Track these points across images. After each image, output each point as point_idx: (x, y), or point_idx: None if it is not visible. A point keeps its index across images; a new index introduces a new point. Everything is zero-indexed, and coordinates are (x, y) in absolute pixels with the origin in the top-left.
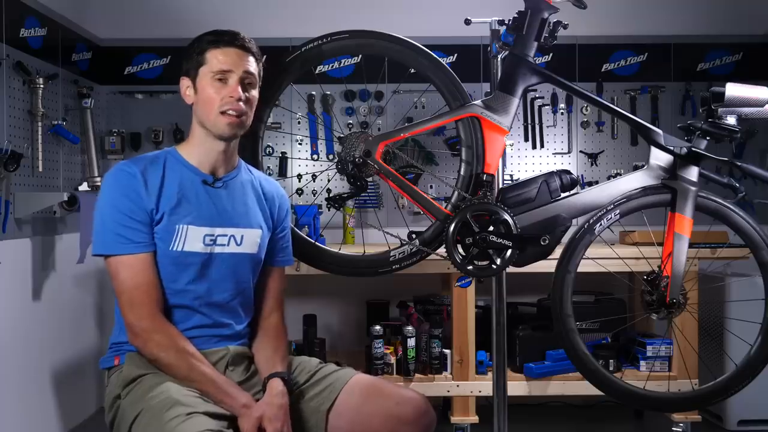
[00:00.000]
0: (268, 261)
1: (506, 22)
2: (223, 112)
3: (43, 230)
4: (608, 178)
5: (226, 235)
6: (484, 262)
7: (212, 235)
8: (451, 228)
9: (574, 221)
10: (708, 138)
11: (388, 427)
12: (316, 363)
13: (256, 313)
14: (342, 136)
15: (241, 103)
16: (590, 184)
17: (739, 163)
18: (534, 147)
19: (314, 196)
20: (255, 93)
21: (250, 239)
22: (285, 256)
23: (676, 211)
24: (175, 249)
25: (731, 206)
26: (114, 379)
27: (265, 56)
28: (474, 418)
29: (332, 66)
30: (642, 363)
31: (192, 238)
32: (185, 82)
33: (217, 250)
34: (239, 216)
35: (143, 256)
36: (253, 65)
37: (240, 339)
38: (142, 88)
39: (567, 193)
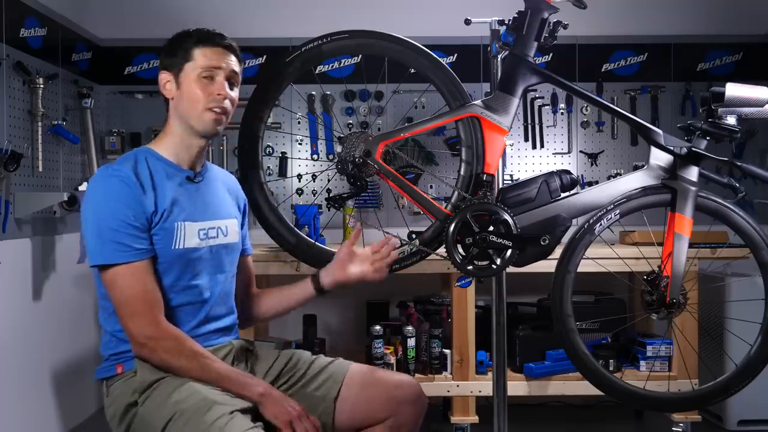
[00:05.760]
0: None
1: (506, 22)
2: (209, 109)
3: (43, 230)
4: (608, 178)
5: (215, 228)
6: (484, 262)
7: (205, 229)
8: (451, 228)
9: (574, 221)
10: (708, 138)
11: (388, 409)
12: (309, 355)
13: (244, 298)
14: (342, 136)
15: (227, 101)
16: (590, 184)
17: (739, 163)
18: (534, 147)
19: (314, 196)
20: (236, 93)
21: (232, 229)
22: (248, 242)
23: (676, 211)
24: (177, 247)
25: (731, 206)
26: (121, 388)
27: (265, 57)
28: (474, 418)
29: (332, 66)
30: (642, 363)
31: (189, 235)
32: (165, 76)
33: (212, 243)
34: (220, 208)
35: (142, 263)
36: (237, 65)
37: (236, 332)
38: (142, 88)
39: (567, 193)
